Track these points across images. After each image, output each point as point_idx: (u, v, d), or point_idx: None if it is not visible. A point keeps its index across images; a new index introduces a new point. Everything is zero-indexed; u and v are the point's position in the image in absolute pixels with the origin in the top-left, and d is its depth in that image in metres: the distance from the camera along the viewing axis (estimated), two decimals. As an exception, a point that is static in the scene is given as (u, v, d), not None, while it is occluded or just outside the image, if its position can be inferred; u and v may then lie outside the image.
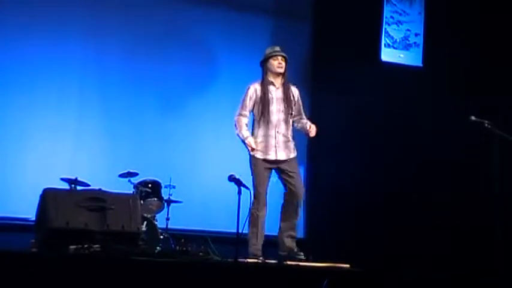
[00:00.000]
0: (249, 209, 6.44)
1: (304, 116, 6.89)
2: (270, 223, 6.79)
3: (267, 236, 6.74)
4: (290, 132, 6.75)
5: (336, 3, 9.38)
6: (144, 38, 8.89)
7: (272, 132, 6.63)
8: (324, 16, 9.51)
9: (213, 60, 9.27)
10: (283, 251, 6.64)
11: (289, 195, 6.67)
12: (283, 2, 9.59)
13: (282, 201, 6.74)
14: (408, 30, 9.65)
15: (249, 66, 8.79)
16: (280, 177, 6.73)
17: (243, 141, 6.66)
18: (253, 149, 6.57)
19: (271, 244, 6.79)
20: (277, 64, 6.69)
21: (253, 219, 6.52)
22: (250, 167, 6.66)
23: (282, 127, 6.66)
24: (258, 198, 6.53)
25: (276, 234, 6.79)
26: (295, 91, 6.83)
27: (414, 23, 9.69)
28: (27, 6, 8.45)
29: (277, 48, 6.77)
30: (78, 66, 8.64)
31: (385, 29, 9.57)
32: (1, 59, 8.37)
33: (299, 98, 6.85)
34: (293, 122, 6.83)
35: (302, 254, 6.56)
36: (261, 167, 6.61)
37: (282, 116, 6.67)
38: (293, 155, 6.73)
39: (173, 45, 9.01)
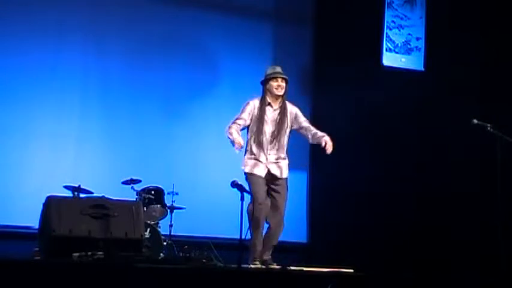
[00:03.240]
0: (247, 211, 6.39)
1: (312, 128, 6.70)
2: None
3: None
4: (282, 154, 6.63)
5: (337, 7, 9.40)
6: (146, 44, 8.91)
7: (263, 153, 6.55)
8: (326, 21, 9.53)
9: (215, 66, 9.28)
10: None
11: (272, 208, 6.55)
12: (285, 7, 9.61)
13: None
14: (409, 34, 9.67)
15: (251, 71, 8.82)
16: (268, 188, 6.61)
17: (232, 142, 6.47)
18: (240, 146, 6.41)
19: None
20: (276, 86, 6.58)
21: (255, 222, 6.45)
22: (246, 180, 6.57)
23: (274, 149, 6.57)
24: (257, 202, 6.47)
25: None
26: (292, 111, 6.69)
27: (415, 27, 9.71)
28: (28, 13, 8.46)
29: (278, 69, 6.66)
30: (80, 73, 8.66)
31: (386, 33, 9.58)
32: (1, 65, 8.38)
33: (297, 115, 6.71)
34: (303, 135, 6.75)
35: (275, 263, 6.48)
36: (255, 176, 6.53)
37: (274, 137, 6.58)
38: (284, 175, 6.62)
39: (175, 51, 9.04)
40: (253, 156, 6.57)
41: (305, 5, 9.65)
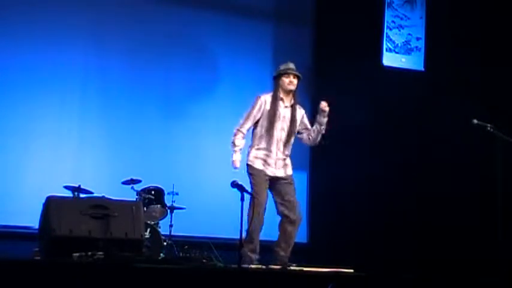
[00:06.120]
0: (248, 213, 6.39)
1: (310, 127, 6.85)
2: (269, 229, 6.75)
3: (264, 241, 6.70)
4: (288, 152, 6.72)
5: (338, 8, 9.39)
6: (146, 44, 8.91)
7: (273, 148, 6.61)
8: (326, 21, 9.53)
9: (215, 66, 9.28)
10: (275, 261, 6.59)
11: (283, 206, 6.61)
12: (285, 7, 9.61)
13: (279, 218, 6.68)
14: (409, 34, 9.67)
15: (251, 71, 8.85)
16: (273, 188, 6.65)
17: (233, 151, 6.62)
18: (235, 167, 6.56)
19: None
20: (288, 82, 6.66)
21: (258, 220, 6.47)
22: (249, 175, 6.63)
23: (282, 145, 6.64)
24: (258, 206, 6.48)
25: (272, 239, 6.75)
26: (300, 112, 6.80)
27: (415, 27, 9.71)
28: (28, 13, 8.46)
29: (291, 66, 6.73)
30: (80, 73, 8.66)
31: (386, 33, 9.58)
32: (2, 65, 8.38)
33: (304, 116, 6.83)
34: (304, 136, 6.80)
35: (293, 264, 6.48)
36: (261, 176, 6.57)
37: (284, 134, 6.64)
38: (290, 172, 6.71)
39: (175, 52, 9.03)
40: (262, 151, 6.60)
41: (305, 5, 9.64)
